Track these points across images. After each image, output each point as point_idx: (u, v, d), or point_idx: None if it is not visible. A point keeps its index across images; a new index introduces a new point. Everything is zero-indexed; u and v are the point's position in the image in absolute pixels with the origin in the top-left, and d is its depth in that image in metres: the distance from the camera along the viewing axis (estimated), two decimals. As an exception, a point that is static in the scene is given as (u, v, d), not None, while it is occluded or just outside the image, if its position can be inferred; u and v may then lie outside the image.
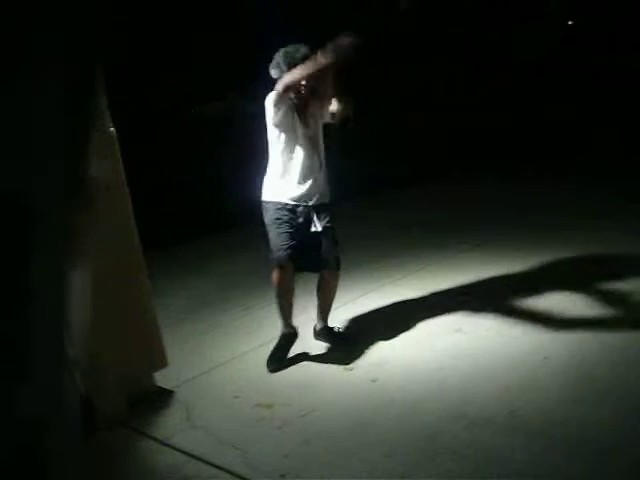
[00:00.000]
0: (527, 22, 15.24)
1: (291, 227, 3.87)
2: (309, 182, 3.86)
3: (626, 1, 13.80)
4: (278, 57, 3.80)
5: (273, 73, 3.81)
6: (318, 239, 3.90)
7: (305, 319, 4.17)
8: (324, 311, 4.20)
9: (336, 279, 4.08)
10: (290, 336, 4.08)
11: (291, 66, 3.72)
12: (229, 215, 7.23)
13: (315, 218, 3.88)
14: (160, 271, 5.57)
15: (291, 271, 3.90)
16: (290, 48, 3.80)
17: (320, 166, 3.92)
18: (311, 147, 3.86)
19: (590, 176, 7.47)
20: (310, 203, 3.88)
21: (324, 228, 3.90)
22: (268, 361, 3.98)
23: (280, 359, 4.00)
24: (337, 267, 4.02)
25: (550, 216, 6.36)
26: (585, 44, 14.23)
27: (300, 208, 3.88)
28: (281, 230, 3.87)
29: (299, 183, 3.86)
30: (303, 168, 3.85)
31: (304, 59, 3.70)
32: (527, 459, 2.87)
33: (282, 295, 3.98)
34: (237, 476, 2.97)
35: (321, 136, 3.94)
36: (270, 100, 3.77)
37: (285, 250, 3.85)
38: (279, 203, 3.89)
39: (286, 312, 4.05)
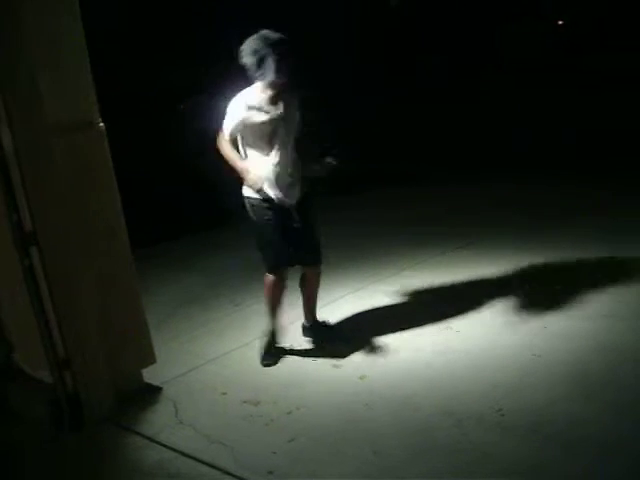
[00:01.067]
0: (518, 22, 15.29)
1: (277, 226, 3.80)
2: (284, 185, 3.76)
3: (618, 1, 13.88)
4: (254, 43, 3.58)
5: (248, 60, 3.59)
6: (299, 235, 3.84)
7: (293, 316, 4.17)
8: (310, 307, 4.19)
9: (317, 275, 4.07)
10: (278, 333, 4.08)
11: (273, 46, 3.54)
12: (220, 212, 7.21)
13: (295, 214, 3.81)
14: (149, 268, 5.55)
15: (284, 274, 3.92)
16: (263, 32, 3.61)
17: (292, 165, 3.78)
18: (279, 152, 3.74)
19: (590, 175, 7.43)
20: (290, 203, 3.80)
21: (303, 225, 3.84)
22: (263, 356, 3.99)
23: (274, 354, 4.01)
24: (314, 262, 3.99)
25: (549, 216, 6.31)
26: (576, 43, 14.30)
27: (280, 206, 3.80)
28: (274, 237, 3.81)
29: (274, 185, 3.76)
30: (274, 172, 3.74)
31: (281, 41, 3.59)
32: (516, 456, 2.88)
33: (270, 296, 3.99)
34: (225, 472, 2.97)
35: (291, 137, 3.78)
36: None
37: (278, 257, 3.84)
38: (258, 199, 3.81)
39: (276, 311, 4.03)
